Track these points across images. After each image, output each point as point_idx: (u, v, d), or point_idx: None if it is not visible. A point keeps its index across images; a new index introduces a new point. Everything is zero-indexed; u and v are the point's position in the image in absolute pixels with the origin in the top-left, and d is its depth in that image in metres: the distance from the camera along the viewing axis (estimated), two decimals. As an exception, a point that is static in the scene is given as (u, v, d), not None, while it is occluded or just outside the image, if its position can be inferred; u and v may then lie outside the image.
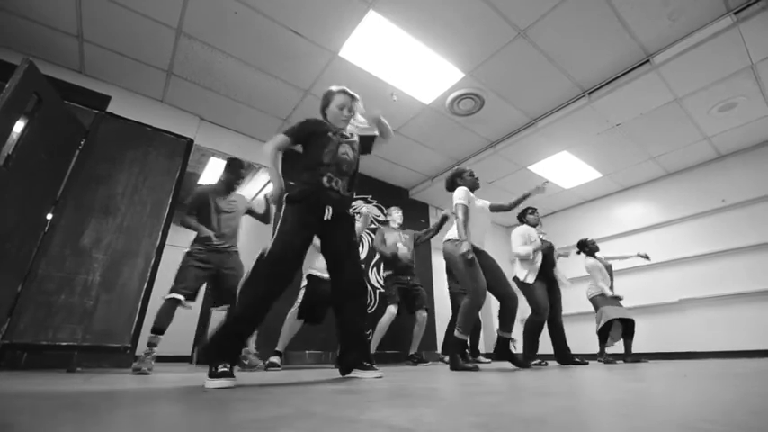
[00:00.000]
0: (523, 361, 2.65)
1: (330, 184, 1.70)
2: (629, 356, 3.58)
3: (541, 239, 3.30)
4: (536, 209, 3.62)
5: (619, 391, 1.15)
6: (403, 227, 4.04)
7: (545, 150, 4.38)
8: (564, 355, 3.13)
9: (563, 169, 4.81)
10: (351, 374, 1.72)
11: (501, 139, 4.21)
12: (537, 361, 2.97)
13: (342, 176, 1.75)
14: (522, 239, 3.28)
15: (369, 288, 3.35)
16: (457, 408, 0.84)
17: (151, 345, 2.29)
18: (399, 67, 3.17)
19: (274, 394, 1.10)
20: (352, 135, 1.91)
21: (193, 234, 2.60)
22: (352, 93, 1.91)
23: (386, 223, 4.14)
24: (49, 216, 2.72)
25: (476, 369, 2.26)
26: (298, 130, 1.80)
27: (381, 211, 4.99)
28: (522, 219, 3.60)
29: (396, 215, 3.97)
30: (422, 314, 3.66)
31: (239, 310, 1.46)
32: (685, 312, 4.28)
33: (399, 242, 3.78)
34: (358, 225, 3.32)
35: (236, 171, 2.83)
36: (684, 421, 0.62)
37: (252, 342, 2.83)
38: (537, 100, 3.63)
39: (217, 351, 1.40)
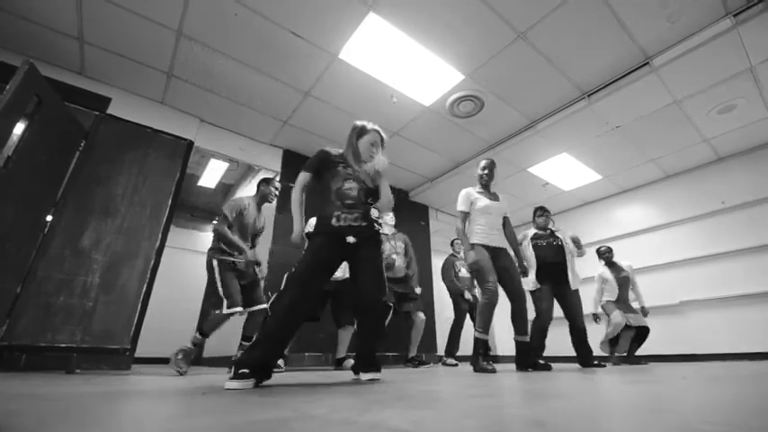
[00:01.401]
0: (545, 364, 2.61)
1: (339, 223, 1.68)
2: (630, 358, 3.57)
3: (543, 241, 3.25)
4: (547, 210, 3.36)
5: (620, 394, 1.15)
6: (402, 228, 3.97)
7: (545, 152, 4.38)
8: (585, 358, 2.99)
9: (563, 171, 4.82)
10: (355, 376, 1.80)
11: (501, 141, 4.21)
12: (541, 362, 2.95)
13: (349, 210, 1.71)
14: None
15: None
16: (457, 410, 0.84)
17: (195, 345, 2.43)
18: (399, 69, 3.17)
19: (274, 396, 1.10)
20: (366, 171, 1.83)
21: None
22: (383, 135, 1.92)
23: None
24: (49, 217, 2.72)
25: (494, 371, 2.28)
26: (312, 159, 1.83)
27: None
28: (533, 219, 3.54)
29: (387, 218, 3.65)
30: (420, 317, 3.59)
31: (272, 326, 1.53)
32: (686, 314, 4.27)
33: (394, 253, 3.50)
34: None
35: (273, 183, 2.86)
36: (685, 423, 0.62)
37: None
38: (536, 102, 3.63)
39: (247, 362, 1.42)
